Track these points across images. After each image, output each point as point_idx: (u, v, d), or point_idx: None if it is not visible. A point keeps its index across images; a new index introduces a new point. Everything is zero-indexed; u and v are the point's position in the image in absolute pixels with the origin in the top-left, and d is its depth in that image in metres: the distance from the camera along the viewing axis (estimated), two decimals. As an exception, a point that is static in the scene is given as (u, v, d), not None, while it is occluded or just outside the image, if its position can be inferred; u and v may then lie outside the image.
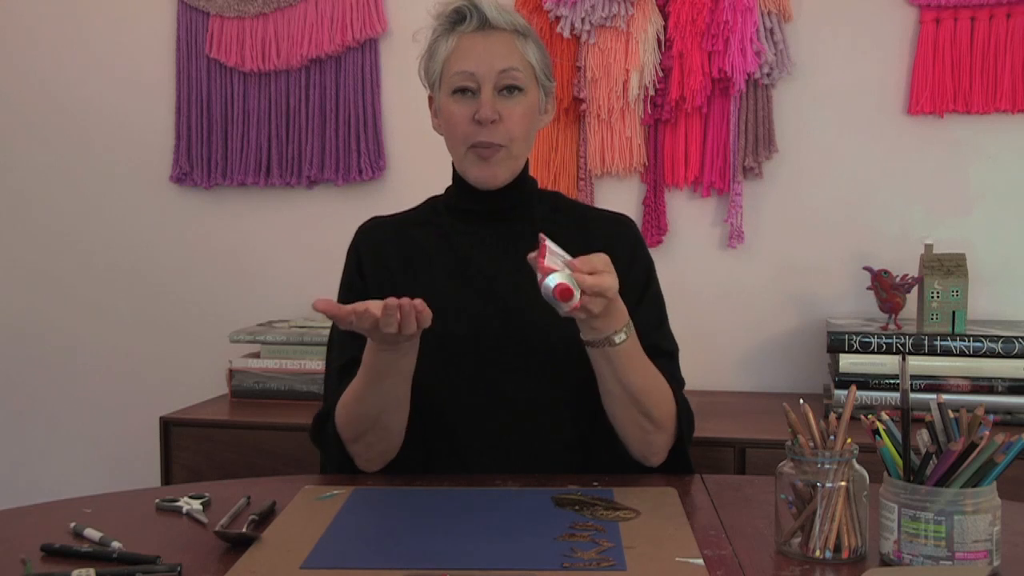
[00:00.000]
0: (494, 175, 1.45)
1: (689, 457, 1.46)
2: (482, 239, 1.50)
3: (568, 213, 1.55)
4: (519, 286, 1.44)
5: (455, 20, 1.46)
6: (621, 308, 1.28)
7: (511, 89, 1.43)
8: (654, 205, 2.36)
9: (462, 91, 1.43)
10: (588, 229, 1.52)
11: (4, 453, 2.76)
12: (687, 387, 1.49)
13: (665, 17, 2.31)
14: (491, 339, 1.43)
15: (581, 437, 1.46)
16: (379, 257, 1.51)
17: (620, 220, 1.56)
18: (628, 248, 1.50)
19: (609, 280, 1.21)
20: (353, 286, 1.51)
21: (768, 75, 2.28)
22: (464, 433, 1.44)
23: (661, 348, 1.45)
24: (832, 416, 1.13)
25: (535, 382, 1.43)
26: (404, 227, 1.54)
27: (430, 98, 1.53)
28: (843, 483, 1.07)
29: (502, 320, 1.44)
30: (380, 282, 1.48)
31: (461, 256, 1.49)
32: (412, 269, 1.49)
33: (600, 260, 1.21)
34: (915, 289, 2.10)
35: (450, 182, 1.55)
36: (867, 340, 2.00)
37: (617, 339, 1.28)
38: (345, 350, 1.46)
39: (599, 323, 1.26)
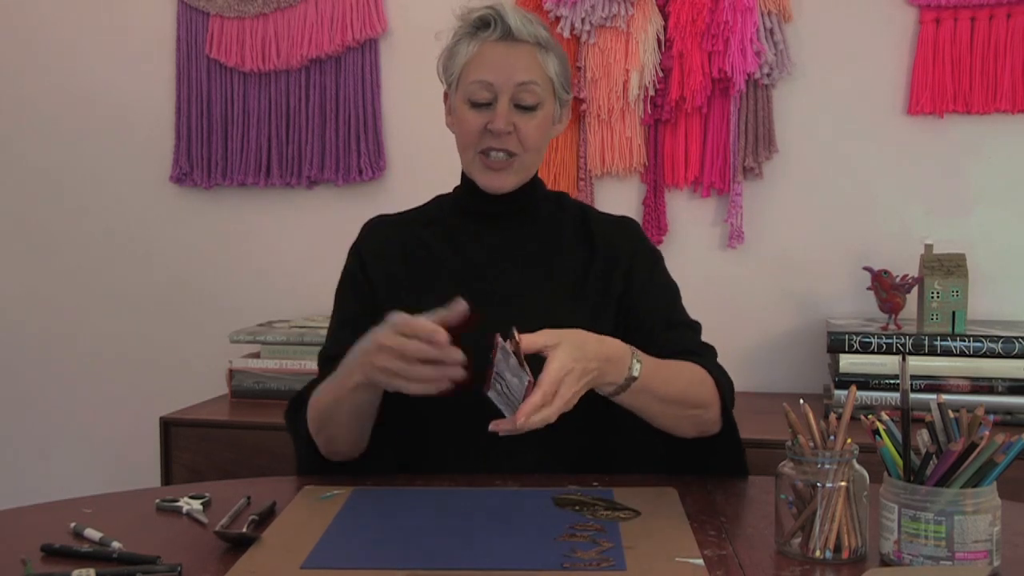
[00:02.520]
0: (502, 184, 1.45)
1: (738, 437, 1.43)
2: (488, 241, 1.50)
3: (573, 215, 1.55)
4: (522, 290, 1.45)
5: (479, 26, 1.45)
6: (611, 347, 1.24)
7: (527, 109, 1.43)
8: (654, 205, 2.36)
9: (478, 104, 1.43)
10: (592, 232, 1.52)
11: (4, 453, 2.76)
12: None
13: (665, 17, 2.31)
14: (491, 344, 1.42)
15: (579, 442, 1.45)
16: (382, 255, 1.51)
17: (623, 222, 1.57)
18: (630, 246, 1.51)
19: (564, 388, 1.16)
20: (356, 282, 1.51)
21: (768, 75, 2.28)
22: (459, 437, 1.43)
23: (682, 321, 1.46)
24: (832, 416, 1.13)
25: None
26: (409, 226, 1.54)
27: (445, 94, 1.53)
28: (843, 483, 1.07)
29: (503, 325, 1.42)
30: (383, 280, 1.48)
31: (466, 258, 1.49)
32: (415, 269, 1.49)
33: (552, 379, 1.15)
34: (915, 289, 2.10)
35: (452, 181, 1.55)
36: (867, 340, 2.00)
37: (634, 371, 1.24)
38: (336, 344, 1.46)
39: (610, 376, 1.22)
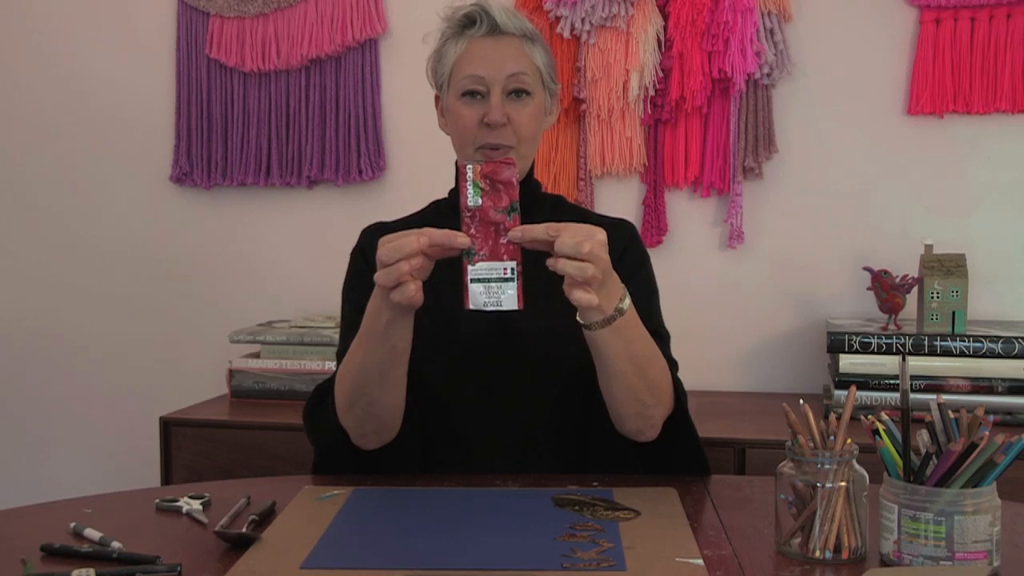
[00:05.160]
0: None
1: (698, 440, 1.44)
2: None
3: (570, 216, 1.55)
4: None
5: (465, 24, 1.47)
6: (616, 277, 1.26)
7: (519, 93, 1.44)
8: (654, 205, 2.36)
9: (471, 94, 1.44)
10: None
11: (4, 453, 2.76)
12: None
13: (665, 17, 2.31)
14: (492, 343, 1.44)
15: (580, 437, 1.46)
16: None
17: (619, 223, 1.57)
18: (623, 243, 1.51)
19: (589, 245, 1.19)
20: (363, 276, 1.50)
21: (768, 75, 2.28)
22: (464, 432, 1.45)
23: (651, 329, 1.45)
24: (832, 416, 1.13)
25: (534, 383, 1.44)
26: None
27: (436, 98, 1.54)
28: (843, 483, 1.07)
29: (503, 324, 1.43)
30: None
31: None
32: None
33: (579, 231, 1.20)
34: (915, 289, 2.10)
35: (452, 182, 1.55)
36: (867, 340, 2.00)
37: (624, 305, 1.25)
38: (350, 338, 1.46)
39: (602, 299, 1.23)
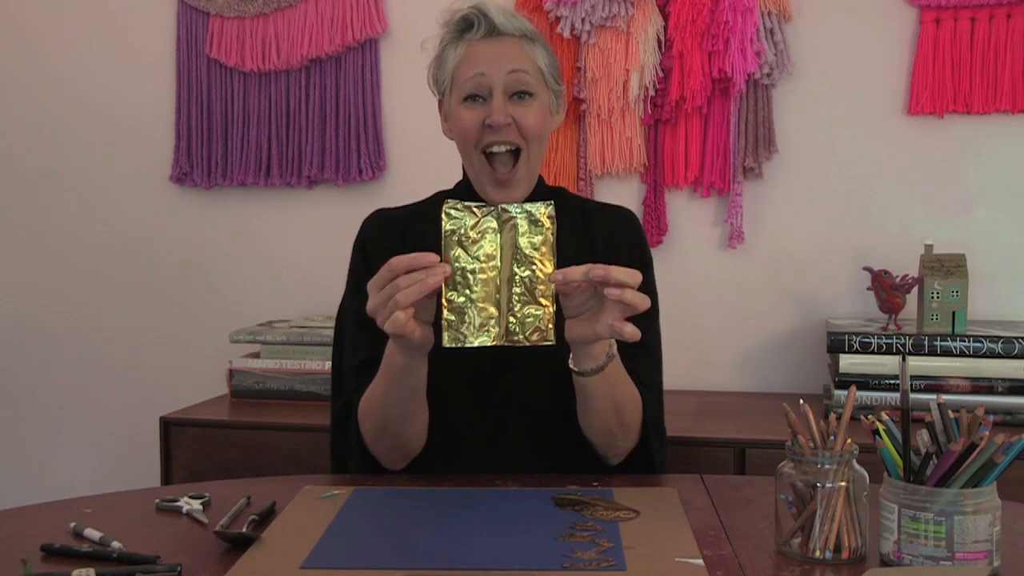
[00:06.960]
0: (512, 197, 1.45)
1: (654, 458, 1.46)
2: None
3: (571, 208, 1.55)
4: None
5: (463, 28, 1.46)
6: None
7: (522, 95, 1.43)
8: (654, 205, 2.36)
9: (473, 98, 1.43)
10: (590, 223, 1.53)
11: (4, 453, 2.76)
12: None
13: (665, 17, 2.31)
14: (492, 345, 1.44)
15: (580, 437, 1.46)
16: (384, 247, 1.49)
17: (621, 213, 1.58)
18: (629, 237, 1.53)
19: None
20: (361, 279, 1.50)
21: (768, 75, 2.28)
22: (464, 432, 1.45)
23: (646, 343, 1.46)
24: (832, 416, 1.13)
25: (535, 383, 1.44)
26: (410, 221, 1.54)
27: (440, 103, 1.53)
28: (843, 483, 1.07)
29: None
30: None
31: None
32: None
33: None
34: (915, 289, 2.10)
35: (453, 180, 1.55)
36: (867, 340, 2.00)
37: (613, 351, 1.30)
38: (359, 350, 1.46)
39: (597, 349, 1.27)
